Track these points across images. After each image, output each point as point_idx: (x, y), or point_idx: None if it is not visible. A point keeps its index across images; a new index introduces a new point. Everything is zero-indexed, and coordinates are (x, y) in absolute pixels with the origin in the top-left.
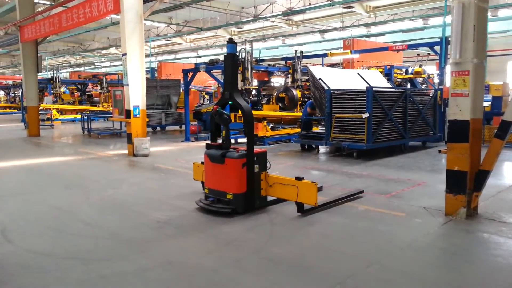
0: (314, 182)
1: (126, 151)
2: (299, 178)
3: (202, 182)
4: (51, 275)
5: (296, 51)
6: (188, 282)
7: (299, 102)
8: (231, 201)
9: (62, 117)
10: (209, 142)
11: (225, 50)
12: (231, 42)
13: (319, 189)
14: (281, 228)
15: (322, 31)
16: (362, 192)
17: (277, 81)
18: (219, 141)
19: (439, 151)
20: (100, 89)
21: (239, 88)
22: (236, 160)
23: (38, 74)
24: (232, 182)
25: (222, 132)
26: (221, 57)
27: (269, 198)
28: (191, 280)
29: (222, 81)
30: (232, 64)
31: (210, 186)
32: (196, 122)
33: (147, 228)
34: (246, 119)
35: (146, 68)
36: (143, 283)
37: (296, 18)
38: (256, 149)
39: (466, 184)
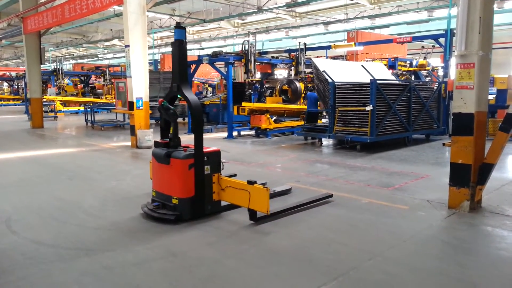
0: (266, 188)
1: (129, 143)
2: (251, 182)
3: None
4: (55, 266)
5: (299, 43)
6: (190, 273)
7: (303, 95)
8: (176, 206)
9: (65, 108)
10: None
11: (228, 41)
12: (178, 27)
13: (287, 191)
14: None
15: (326, 23)
16: (331, 196)
17: (280, 73)
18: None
19: (443, 144)
20: (103, 81)
21: (243, 80)
22: (182, 161)
23: (41, 65)
24: (177, 185)
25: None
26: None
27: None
28: (193, 271)
29: (221, 72)
30: (179, 52)
31: (157, 189)
32: None
33: (150, 220)
34: (194, 115)
35: (149, 60)
36: (146, 274)
37: (300, 9)
38: (208, 148)
39: (470, 177)
